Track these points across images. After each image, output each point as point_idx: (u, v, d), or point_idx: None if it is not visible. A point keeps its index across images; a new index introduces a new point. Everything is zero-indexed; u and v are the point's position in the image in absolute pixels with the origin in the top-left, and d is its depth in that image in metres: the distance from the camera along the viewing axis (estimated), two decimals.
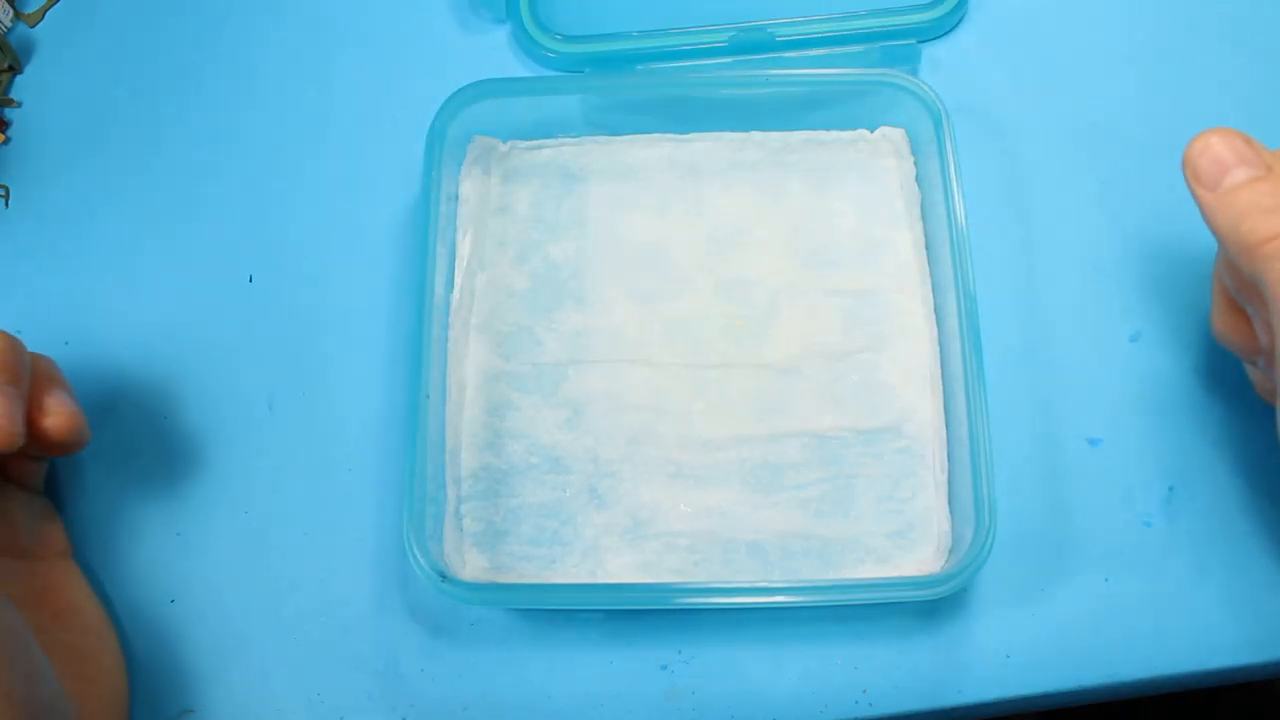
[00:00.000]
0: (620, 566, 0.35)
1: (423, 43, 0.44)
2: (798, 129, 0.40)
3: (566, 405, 0.37)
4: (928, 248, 0.38)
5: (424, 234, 0.37)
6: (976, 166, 0.40)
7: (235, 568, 0.37)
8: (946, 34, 0.42)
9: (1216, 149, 0.30)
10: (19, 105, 0.45)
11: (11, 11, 0.46)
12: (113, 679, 0.35)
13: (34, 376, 0.34)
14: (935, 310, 0.37)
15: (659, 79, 0.41)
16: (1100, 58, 0.42)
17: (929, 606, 0.35)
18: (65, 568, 0.36)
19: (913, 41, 0.41)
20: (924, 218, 0.38)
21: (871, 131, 0.40)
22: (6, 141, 0.44)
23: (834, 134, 0.40)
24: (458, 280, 0.38)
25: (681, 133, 0.40)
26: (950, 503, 0.35)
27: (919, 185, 0.39)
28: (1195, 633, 0.34)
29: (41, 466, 0.38)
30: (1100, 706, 0.37)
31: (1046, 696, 0.34)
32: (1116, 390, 0.37)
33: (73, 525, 0.38)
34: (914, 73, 0.40)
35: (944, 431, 0.36)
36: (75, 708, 0.32)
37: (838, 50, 0.41)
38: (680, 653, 0.35)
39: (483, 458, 0.37)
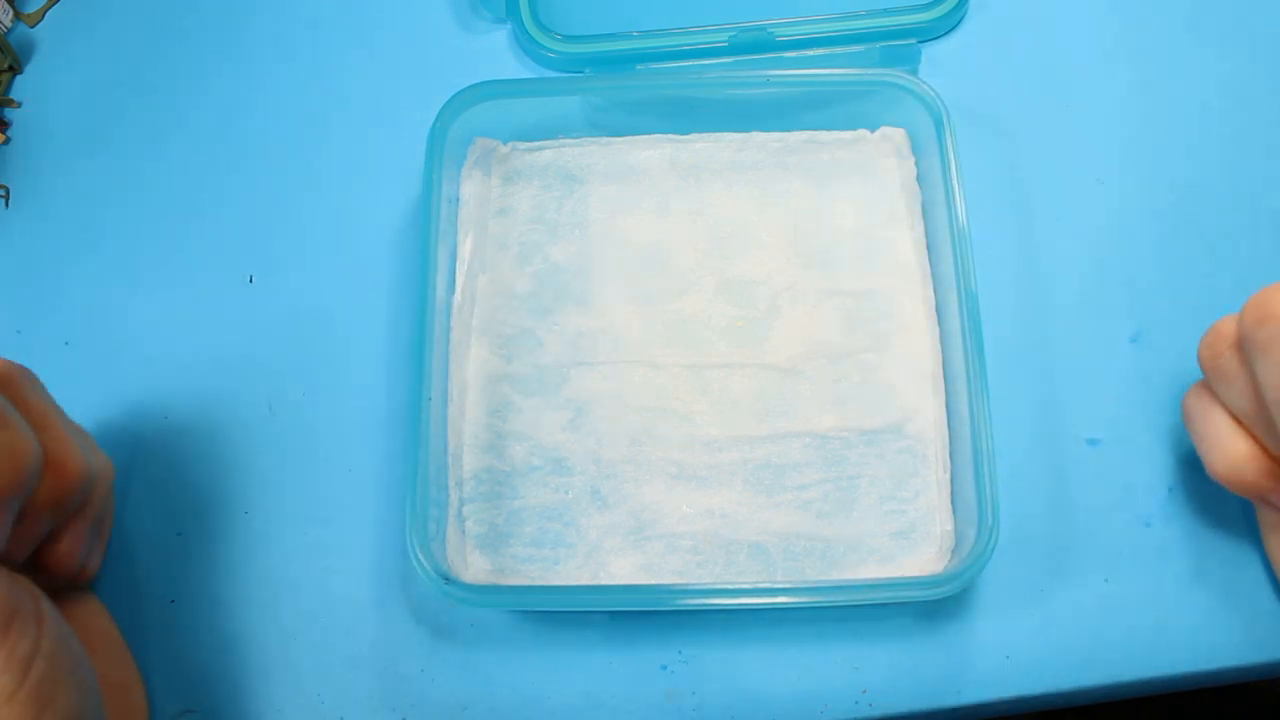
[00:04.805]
0: (622, 568, 0.35)
1: (423, 43, 0.44)
2: (798, 129, 0.40)
3: (568, 407, 0.37)
4: (929, 247, 0.38)
5: (425, 236, 0.37)
6: (977, 166, 0.40)
7: (235, 568, 0.37)
8: (946, 34, 0.42)
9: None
10: (19, 105, 0.45)
11: (11, 11, 0.46)
12: (142, 707, 0.35)
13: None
14: (936, 309, 0.37)
15: (659, 79, 0.41)
16: (1100, 58, 0.42)
17: (929, 606, 0.35)
18: (89, 595, 0.36)
19: (913, 41, 0.41)
20: (925, 217, 0.38)
21: (872, 131, 0.40)
22: (6, 141, 0.44)
23: (834, 134, 0.40)
24: (459, 282, 0.38)
25: (682, 133, 0.40)
26: (953, 502, 0.35)
27: (919, 185, 0.39)
28: (1195, 633, 0.34)
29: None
30: (1100, 706, 0.37)
31: (1046, 697, 0.34)
32: (1116, 390, 0.37)
33: None
34: (914, 73, 0.40)
35: (946, 431, 0.36)
36: None
37: (838, 50, 0.41)
38: (680, 653, 0.35)
39: (485, 460, 0.37)
